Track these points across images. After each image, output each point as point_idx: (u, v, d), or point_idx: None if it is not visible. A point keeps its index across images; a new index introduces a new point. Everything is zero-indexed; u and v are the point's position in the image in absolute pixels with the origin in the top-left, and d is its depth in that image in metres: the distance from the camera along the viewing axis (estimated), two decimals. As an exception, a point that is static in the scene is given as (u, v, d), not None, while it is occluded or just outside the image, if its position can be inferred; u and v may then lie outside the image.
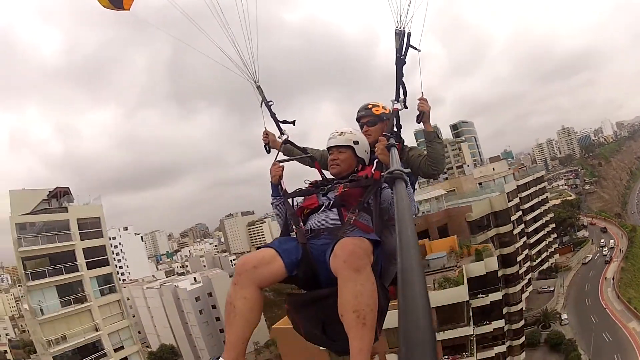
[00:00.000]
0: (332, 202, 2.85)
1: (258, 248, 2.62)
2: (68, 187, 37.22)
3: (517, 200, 54.58)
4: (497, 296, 34.01)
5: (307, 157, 3.74)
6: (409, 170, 2.64)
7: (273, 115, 3.85)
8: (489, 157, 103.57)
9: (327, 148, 3.24)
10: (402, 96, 3.42)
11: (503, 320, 34.79)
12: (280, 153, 3.84)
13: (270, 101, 3.86)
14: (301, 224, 2.83)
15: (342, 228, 2.63)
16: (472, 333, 28.39)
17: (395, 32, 3.39)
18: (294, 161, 3.77)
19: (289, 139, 3.84)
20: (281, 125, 3.88)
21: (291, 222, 2.92)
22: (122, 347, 35.20)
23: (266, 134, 3.96)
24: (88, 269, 34.18)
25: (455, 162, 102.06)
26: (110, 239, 46.99)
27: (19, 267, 31.48)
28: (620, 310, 52.90)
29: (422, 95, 3.32)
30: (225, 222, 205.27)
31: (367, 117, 3.58)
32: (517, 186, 57.28)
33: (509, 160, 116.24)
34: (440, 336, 27.72)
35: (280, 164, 3.26)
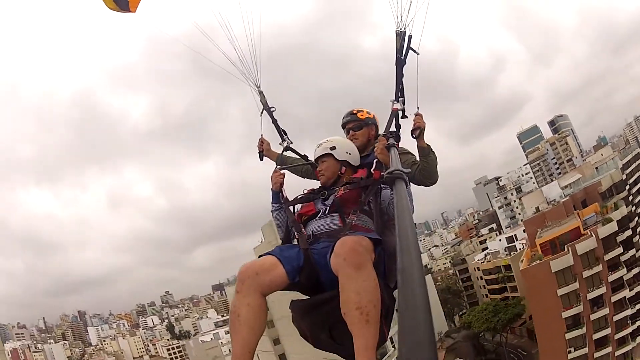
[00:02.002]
0: (328, 207, 2.83)
1: (260, 256, 2.55)
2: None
3: (624, 176, 63.79)
4: (628, 232, 46.73)
5: (308, 164, 3.68)
6: (409, 170, 2.47)
7: (275, 121, 3.84)
8: (593, 146, 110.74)
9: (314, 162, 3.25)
10: (401, 97, 3.37)
11: (634, 249, 49.15)
12: (284, 156, 3.79)
13: (272, 107, 3.83)
14: (303, 229, 2.78)
15: (342, 230, 2.60)
16: (622, 252, 45.17)
17: (396, 33, 3.38)
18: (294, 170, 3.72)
19: (290, 145, 3.80)
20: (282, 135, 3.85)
21: (293, 228, 2.89)
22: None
23: (261, 142, 3.94)
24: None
25: (565, 156, 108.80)
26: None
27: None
28: None
29: (418, 110, 3.26)
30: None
31: (353, 122, 3.53)
32: (623, 164, 67.55)
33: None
34: (607, 257, 42.26)
35: (281, 171, 3.22)
